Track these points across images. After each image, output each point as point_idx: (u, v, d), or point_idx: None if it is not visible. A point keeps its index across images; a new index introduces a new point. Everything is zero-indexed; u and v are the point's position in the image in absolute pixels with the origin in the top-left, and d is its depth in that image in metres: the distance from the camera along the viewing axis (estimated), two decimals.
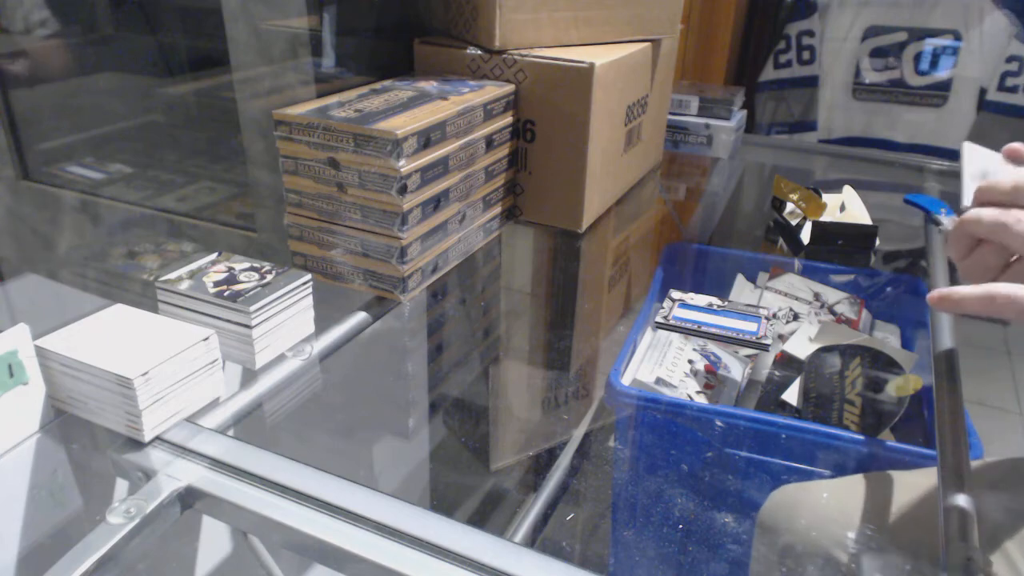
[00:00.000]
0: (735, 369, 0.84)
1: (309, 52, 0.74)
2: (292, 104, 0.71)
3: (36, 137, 0.96)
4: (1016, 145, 0.54)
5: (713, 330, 0.79)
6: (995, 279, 0.48)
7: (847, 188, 1.09)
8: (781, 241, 1.07)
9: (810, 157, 1.44)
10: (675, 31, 1.04)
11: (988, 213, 0.47)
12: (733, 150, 1.26)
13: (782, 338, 0.86)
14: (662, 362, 0.81)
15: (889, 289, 0.96)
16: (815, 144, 1.89)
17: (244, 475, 0.47)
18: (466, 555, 0.41)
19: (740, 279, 0.99)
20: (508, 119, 0.84)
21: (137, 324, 0.54)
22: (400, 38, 0.90)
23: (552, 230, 0.91)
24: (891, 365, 0.75)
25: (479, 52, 0.85)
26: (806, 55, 1.94)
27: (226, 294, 0.59)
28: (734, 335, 0.79)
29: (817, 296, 0.94)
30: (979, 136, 1.83)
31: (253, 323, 0.58)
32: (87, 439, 0.52)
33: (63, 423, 0.53)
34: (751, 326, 0.80)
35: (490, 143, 0.81)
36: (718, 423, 0.71)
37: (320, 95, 0.75)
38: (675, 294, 0.85)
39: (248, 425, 0.56)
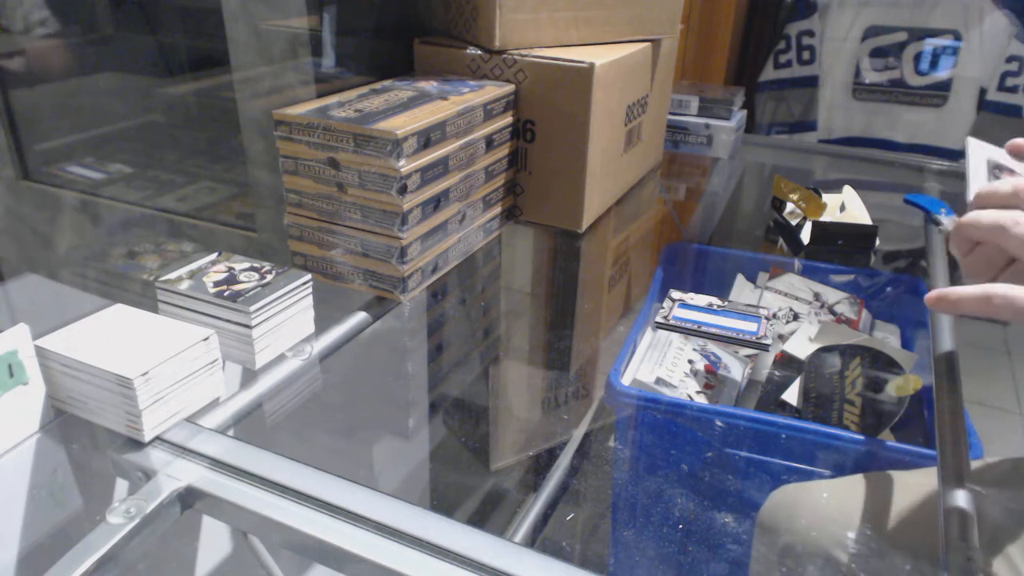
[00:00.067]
0: (735, 369, 0.84)
1: (309, 52, 0.74)
2: (292, 104, 0.71)
3: (36, 137, 0.96)
4: (1020, 141, 0.54)
5: (713, 330, 0.79)
6: (996, 277, 0.48)
7: (847, 188, 1.09)
8: (781, 241, 1.07)
9: (810, 157, 1.44)
10: (675, 31, 1.04)
11: (987, 215, 0.47)
12: (733, 150, 1.26)
13: (782, 338, 0.86)
14: (662, 362, 0.81)
15: (889, 289, 0.96)
16: (815, 144, 1.89)
17: (244, 475, 0.47)
18: (466, 555, 0.41)
19: (740, 279, 0.99)
20: (508, 119, 0.84)
21: (137, 324, 0.54)
22: (400, 38, 0.90)
23: (552, 230, 0.91)
24: (891, 365, 0.75)
25: (479, 52, 0.85)
26: (806, 55, 1.94)
27: (226, 294, 0.59)
28: (734, 335, 0.79)
29: (817, 296, 0.94)
30: (979, 136, 1.82)
31: (253, 323, 0.58)
32: (87, 439, 0.52)
33: (63, 423, 0.53)
34: (751, 326, 0.80)
35: (490, 143, 0.81)
36: (718, 423, 0.71)
37: (320, 95, 0.75)
38: (675, 294, 0.85)
39: (248, 425, 0.56)
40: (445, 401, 0.87)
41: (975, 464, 0.53)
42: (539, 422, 0.88)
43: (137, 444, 0.50)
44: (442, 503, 0.96)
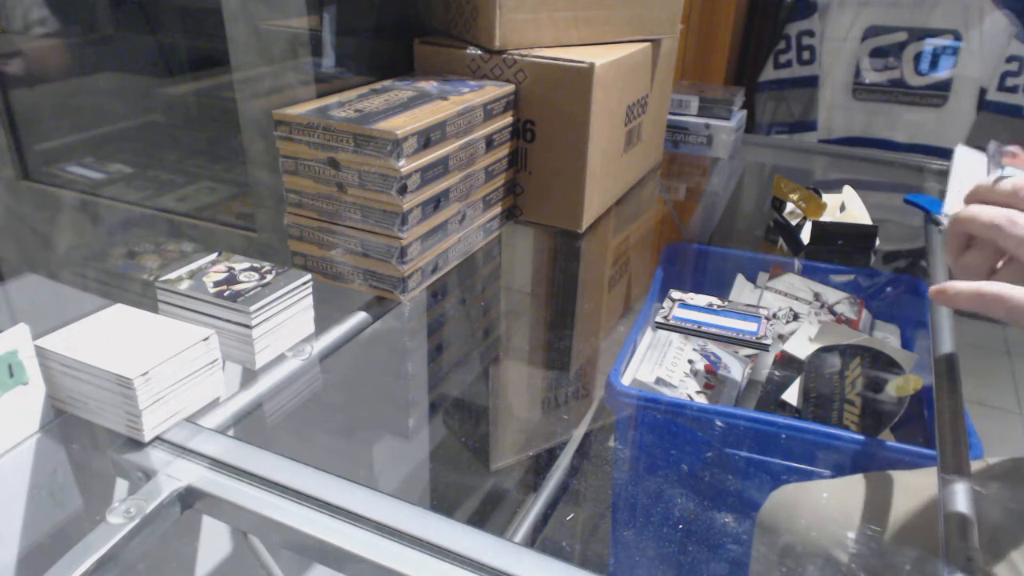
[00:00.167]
0: (735, 369, 0.84)
1: (309, 52, 0.74)
2: (292, 104, 0.71)
3: (36, 137, 0.96)
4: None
5: (713, 330, 0.79)
6: (987, 277, 0.49)
7: (847, 188, 1.09)
8: (781, 241, 1.07)
9: (810, 157, 1.44)
10: (675, 31, 1.04)
11: (985, 212, 0.47)
12: (733, 150, 1.26)
13: (782, 338, 0.86)
14: (662, 362, 0.81)
15: (889, 289, 0.96)
16: (815, 144, 1.89)
17: (244, 475, 0.47)
18: (466, 555, 0.41)
19: (740, 279, 0.99)
20: (508, 119, 0.84)
21: (137, 324, 0.54)
22: (400, 38, 0.90)
23: (552, 230, 0.91)
24: (891, 365, 0.75)
25: (479, 52, 0.85)
26: (806, 55, 1.94)
27: (226, 294, 0.59)
28: (734, 335, 0.79)
29: (817, 296, 0.94)
30: (979, 136, 1.83)
31: (253, 323, 0.58)
32: (87, 439, 0.52)
33: (63, 423, 0.53)
34: (751, 326, 0.80)
35: (490, 143, 0.81)
36: (718, 423, 0.71)
37: (320, 95, 0.75)
38: (675, 294, 0.85)
39: (248, 425, 0.56)
40: (445, 401, 0.87)
41: (975, 464, 0.53)
42: (539, 422, 0.88)
43: (137, 444, 0.50)
44: (442, 503, 0.96)
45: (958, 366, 0.59)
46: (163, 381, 0.50)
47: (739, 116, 1.27)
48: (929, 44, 1.82)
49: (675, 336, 0.84)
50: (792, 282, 0.96)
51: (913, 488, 0.58)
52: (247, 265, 0.64)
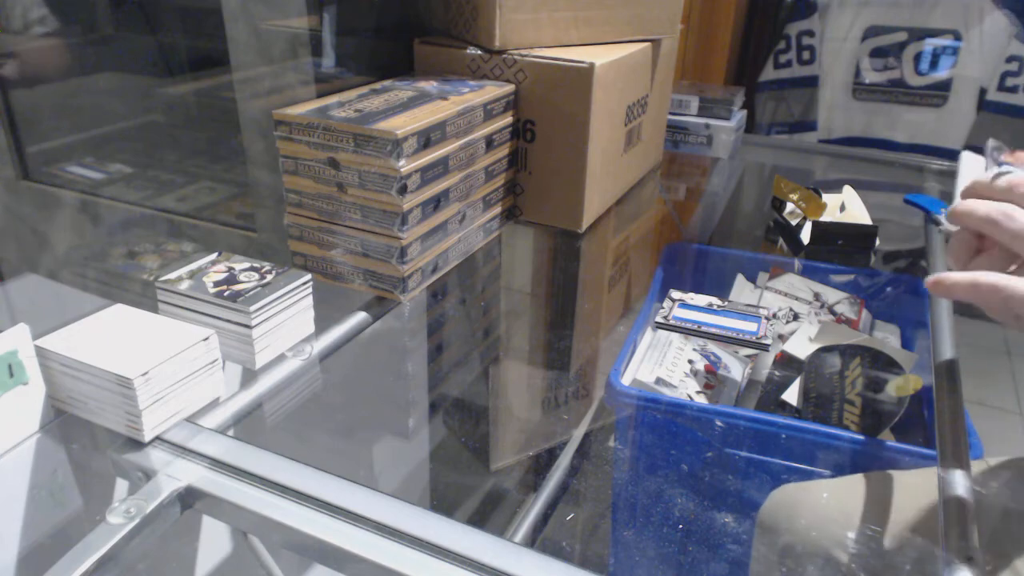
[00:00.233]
0: (735, 369, 0.84)
1: (309, 52, 0.74)
2: (292, 104, 0.71)
3: (36, 137, 0.96)
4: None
5: (713, 330, 0.79)
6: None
7: (847, 188, 1.09)
8: (781, 241, 1.07)
9: (810, 157, 1.44)
10: (675, 31, 1.04)
11: (981, 206, 0.47)
12: (733, 150, 1.26)
13: (782, 338, 0.86)
14: (662, 362, 0.81)
15: (889, 289, 0.96)
16: (815, 144, 1.89)
17: (244, 475, 0.47)
18: (466, 555, 0.41)
19: (740, 279, 0.99)
20: (508, 119, 0.84)
21: (137, 324, 0.54)
22: (400, 38, 0.90)
23: (552, 230, 0.91)
24: (891, 365, 0.75)
25: (479, 52, 0.85)
26: (806, 55, 1.94)
27: (226, 294, 0.59)
28: (734, 335, 0.79)
29: (817, 296, 0.94)
30: (979, 136, 1.83)
31: (253, 323, 0.58)
32: (87, 439, 0.52)
33: (63, 423, 0.53)
34: (751, 326, 0.80)
35: (490, 143, 0.81)
36: (718, 423, 0.71)
37: (320, 95, 0.75)
38: (675, 294, 0.85)
39: (248, 425, 0.56)
40: (445, 401, 0.87)
41: (975, 464, 0.53)
42: (539, 422, 0.88)
43: (137, 444, 0.50)
44: (442, 503, 0.96)
45: (958, 366, 0.59)
46: (163, 381, 0.50)
47: (739, 116, 1.27)
48: (929, 44, 1.82)
49: (675, 336, 0.84)
50: (792, 282, 0.96)
51: (913, 488, 0.58)
52: (247, 265, 0.64)
